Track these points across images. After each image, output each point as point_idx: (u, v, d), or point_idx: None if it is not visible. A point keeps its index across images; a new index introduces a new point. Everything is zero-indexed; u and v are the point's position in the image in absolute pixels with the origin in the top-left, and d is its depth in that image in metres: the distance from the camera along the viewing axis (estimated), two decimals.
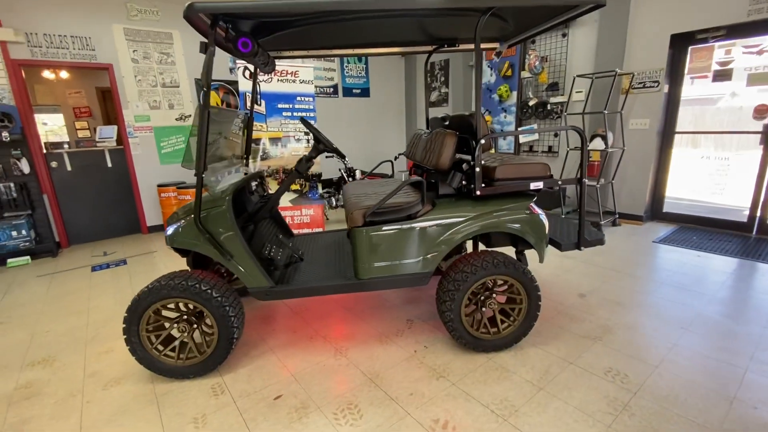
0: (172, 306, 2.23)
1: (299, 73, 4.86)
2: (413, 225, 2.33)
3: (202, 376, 2.31)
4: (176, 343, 2.28)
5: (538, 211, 2.47)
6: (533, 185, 2.40)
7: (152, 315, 2.19)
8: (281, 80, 4.79)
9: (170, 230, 2.32)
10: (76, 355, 2.61)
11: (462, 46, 3.25)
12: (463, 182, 2.45)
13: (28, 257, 4.60)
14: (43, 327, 3.00)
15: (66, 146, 5.17)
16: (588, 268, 3.70)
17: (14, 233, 4.44)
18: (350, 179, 5.57)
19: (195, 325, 2.29)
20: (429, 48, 3.23)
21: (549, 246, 2.64)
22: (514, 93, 6.18)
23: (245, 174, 2.95)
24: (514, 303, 2.43)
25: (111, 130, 5.28)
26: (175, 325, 2.25)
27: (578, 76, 5.02)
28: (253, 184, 2.71)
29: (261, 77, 4.74)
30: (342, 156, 2.72)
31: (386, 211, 2.33)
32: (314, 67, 6.76)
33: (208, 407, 2.06)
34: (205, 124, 2.04)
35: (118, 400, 2.15)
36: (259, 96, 3.26)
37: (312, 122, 4.69)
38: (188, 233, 2.26)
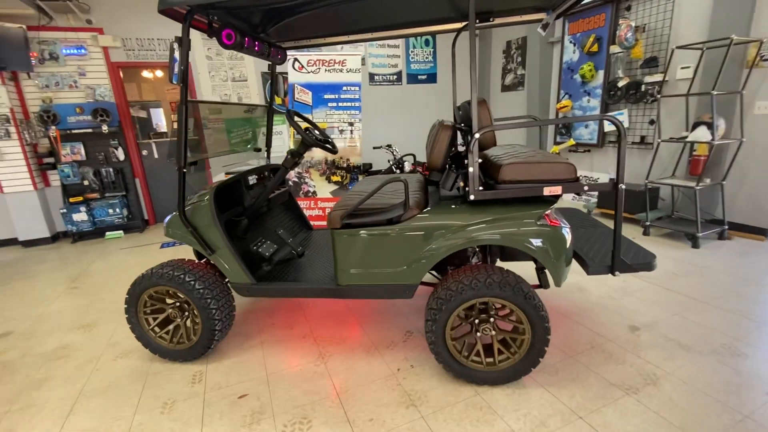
0: (164, 292, 2.35)
1: (347, 62, 4.76)
2: (389, 231, 2.06)
3: (190, 361, 2.42)
4: (171, 327, 2.42)
5: (559, 221, 1.98)
6: (548, 190, 1.92)
7: (147, 300, 2.34)
8: (328, 70, 4.75)
9: (167, 220, 2.45)
10: (112, 323, 2.97)
11: (498, 20, 2.75)
12: (461, 183, 2.08)
13: (121, 232, 5.44)
14: (102, 295, 3.49)
15: (153, 137, 5.95)
16: (659, 293, 2.93)
17: (111, 211, 5.29)
18: (398, 171, 5.34)
19: (186, 313, 2.39)
20: (457, 25, 2.81)
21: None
22: (601, 72, 5.19)
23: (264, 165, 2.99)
24: (516, 332, 2.01)
25: (189, 122, 5.89)
26: (170, 310, 2.37)
27: (679, 47, 3.95)
28: (251, 178, 2.70)
29: (309, 68, 4.77)
30: (332, 150, 2.54)
31: (365, 213, 2.11)
32: (377, 55, 6.63)
33: (180, 394, 2.13)
34: (184, 119, 2.05)
35: (118, 372, 2.37)
36: (285, 88, 3.23)
37: (308, 115, 4.58)
38: (176, 225, 2.34)
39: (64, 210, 5.07)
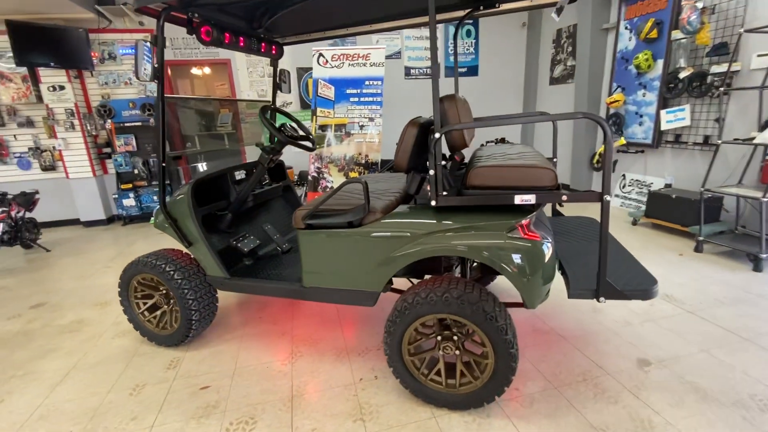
0: (150, 279, 2.47)
1: (371, 56, 4.67)
2: (348, 234, 1.95)
3: (172, 347, 2.52)
4: (158, 312, 2.54)
5: (538, 234, 1.74)
6: (520, 199, 1.69)
7: (137, 285, 2.48)
8: (352, 64, 4.70)
9: (155, 211, 2.56)
10: None
11: (504, 6, 2.48)
12: (428, 187, 1.91)
13: None
14: None
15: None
16: (691, 323, 2.49)
17: (155, 197, 5.75)
18: None
19: (172, 300, 2.50)
20: (459, 13, 2.58)
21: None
22: (659, 62, 4.54)
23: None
24: (481, 355, 1.80)
25: (227, 117, 6.21)
26: (157, 296, 2.49)
27: (748, 30, 3.29)
28: (239, 173, 2.73)
29: (333, 63, 4.75)
30: (310, 148, 2.47)
31: (326, 214, 2.02)
32: (414, 48, 6.44)
33: (153, 378, 2.24)
34: (161, 115, 2.12)
35: (111, 350, 2.55)
36: (286, 83, 3.22)
37: (329, 111, 4.47)
38: (160, 216, 2.44)
39: (116, 195, 5.62)
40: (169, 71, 5.89)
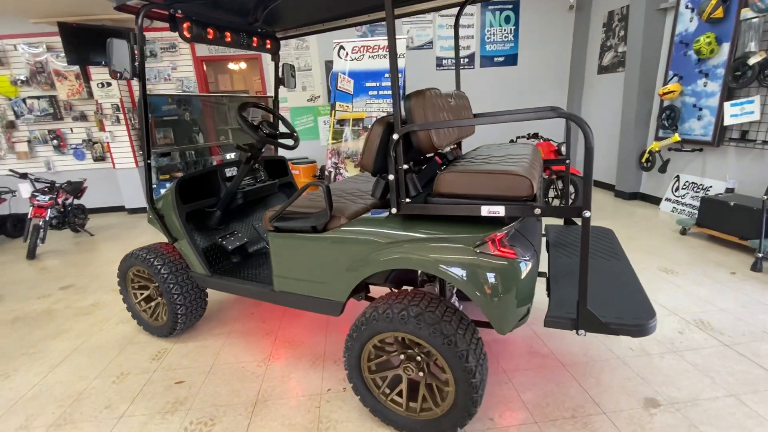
0: (144, 272, 2.56)
1: None
2: (310, 240, 1.84)
3: (163, 338, 2.61)
4: (153, 303, 2.63)
5: (510, 250, 1.52)
6: (488, 210, 1.48)
7: (133, 276, 2.59)
8: (372, 56, 4.56)
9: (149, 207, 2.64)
10: None
11: None
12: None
13: None
14: None
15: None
16: (726, 358, 2.10)
17: None
18: None
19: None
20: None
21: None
22: (724, 46, 3.89)
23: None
24: (443, 382, 1.63)
25: (259, 111, 6.35)
26: (152, 288, 2.58)
27: None
28: (229, 171, 2.72)
29: (353, 55, 4.64)
30: (289, 147, 2.38)
31: (291, 217, 1.93)
32: (447, 37, 6.15)
33: (137, 368, 2.32)
34: (144, 113, 2.15)
35: (112, 335, 2.69)
36: (293, 77, 3.17)
37: (347, 105, 4.30)
38: (151, 212, 2.50)
39: (155, 185, 6.00)
40: (204, 67, 6.13)
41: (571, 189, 4.66)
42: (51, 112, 5.75)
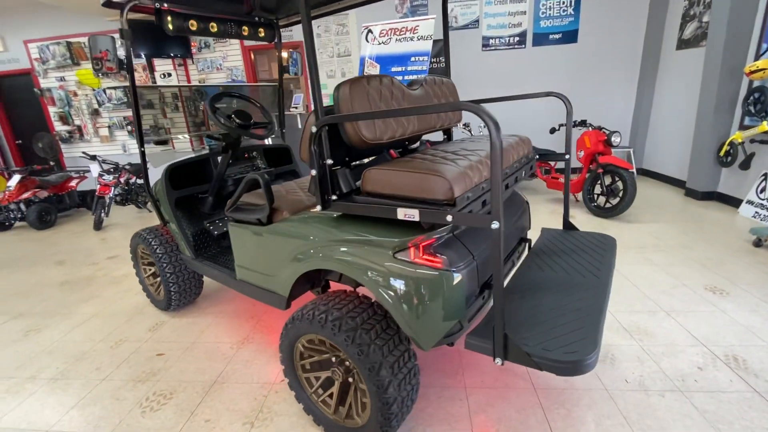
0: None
1: (419, 28, 4.25)
2: (255, 231, 1.84)
3: (163, 311, 2.84)
4: (158, 279, 2.88)
5: (437, 259, 1.36)
6: (403, 213, 1.32)
7: (142, 253, 2.84)
8: (399, 39, 4.37)
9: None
10: None
11: None
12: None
13: None
14: None
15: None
16: (748, 407, 1.68)
17: None
18: None
19: None
20: None
21: None
22: None
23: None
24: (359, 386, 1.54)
25: (299, 98, 6.51)
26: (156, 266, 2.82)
27: None
28: (220, 158, 2.79)
29: (380, 39, 4.49)
30: (260, 137, 2.35)
31: (243, 209, 1.93)
32: (495, 14, 5.69)
33: (134, 336, 2.56)
34: (135, 104, 2.30)
35: (128, 305, 3.00)
36: (293, 66, 3.16)
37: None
38: (149, 196, 2.69)
39: None
40: (252, 56, 6.42)
41: (620, 185, 4.06)
42: (125, 101, 6.51)
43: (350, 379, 1.59)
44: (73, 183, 5.74)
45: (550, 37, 5.81)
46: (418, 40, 4.28)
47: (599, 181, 4.21)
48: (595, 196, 4.31)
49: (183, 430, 1.78)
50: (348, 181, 1.56)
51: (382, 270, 1.40)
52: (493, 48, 5.96)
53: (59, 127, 6.82)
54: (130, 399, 2.00)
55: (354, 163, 1.81)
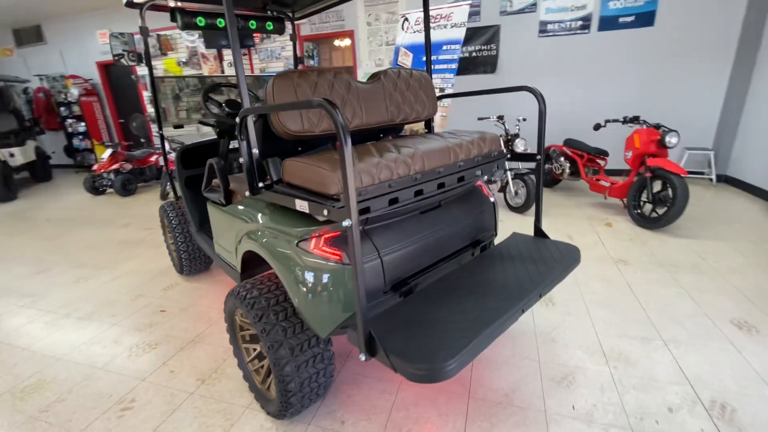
0: None
1: (453, 15, 4.10)
2: (218, 210, 2.02)
3: (180, 275, 3.24)
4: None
5: (335, 251, 1.41)
6: (299, 204, 1.38)
7: (166, 223, 3.26)
8: (434, 27, 4.25)
9: None
10: None
11: None
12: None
13: None
14: None
15: None
16: None
17: None
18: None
19: None
20: None
21: None
22: None
23: None
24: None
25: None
26: None
27: None
28: (233, 143, 3.03)
29: (415, 27, 4.42)
30: (215, 125, 2.47)
31: (212, 190, 2.13)
32: None
33: (149, 293, 2.97)
34: (154, 93, 2.64)
35: (158, 266, 3.47)
36: (309, 57, 3.29)
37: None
38: (166, 176, 3.05)
39: None
40: (311, 45, 6.73)
41: (670, 193, 3.52)
42: (199, 87, 7.30)
43: None
44: (153, 158, 6.66)
45: (621, 20, 5.14)
46: (452, 27, 4.12)
47: (645, 188, 3.70)
48: (641, 203, 3.80)
49: (151, 375, 2.07)
50: (278, 170, 1.64)
51: (286, 257, 1.47)
52: (551, 34, 5.46)
53: (150, 109, 7.91)
54: (125, 343, 2.37)
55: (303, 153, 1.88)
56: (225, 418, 1.78)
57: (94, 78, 8.28)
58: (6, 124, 6.87)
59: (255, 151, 1.57)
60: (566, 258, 1.77)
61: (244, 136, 1.56)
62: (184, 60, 7.25)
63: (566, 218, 4.07)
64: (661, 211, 3.62)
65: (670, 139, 3.61)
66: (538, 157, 1.91)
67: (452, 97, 2.38)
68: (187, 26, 2.53)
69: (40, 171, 7.63)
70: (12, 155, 6.77)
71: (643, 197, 3.78)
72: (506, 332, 2.24)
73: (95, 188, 6.16)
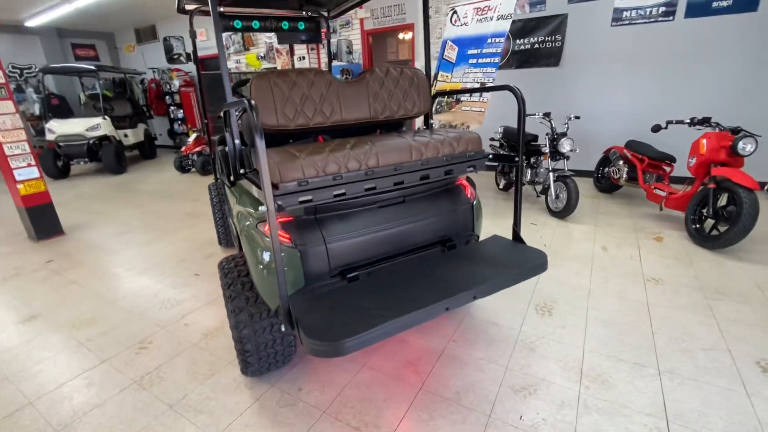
0: None
1: (500, 7, 3.94)
2: (227, 188, 2.32)
3: (221, 246, 3.71)
4: None
5: (285, 235, 1.60)
6: (256, 192, 1.58)
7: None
8: (480, 20, 4.15)
9: None
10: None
11: None
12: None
13: None
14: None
15: None
16: None
17: None
18: (549, 148, 4.03)
19: None
20: None
21: None
22: None
23: None
24: None
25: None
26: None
27: None
28: None
29: (463, 19, 4.34)
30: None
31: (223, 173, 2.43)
32: None
33: (191, 259, 3.47)
34: (199, 89, 3.06)
35: (207, 237, 4.00)
36: (345, 53, 3.44)
37: (448, 74, 3.90)
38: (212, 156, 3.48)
39: None
40: (370, 39, 6.93)
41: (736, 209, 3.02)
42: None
43: None
44: None
45: (715, 4, 4.41)
46: (498, 19, 3.96)
47: (706, 202, 3.22)
48: (703, 217, 3.32)
49: (170, 325, 2.48)
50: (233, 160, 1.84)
51: (247, 236, 1.68)
52: (626, 22, 4.89)
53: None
54: (160, 297, 2.84)
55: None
56: (210, 368, 2.09)
57: (192, 71, 9.52)
58: (123, 109, 8.30)
59: (237, 141, 1.80)
60: (529, 265, 1.71)
61: (228, 128, 1.79)
62: (262, 54, 7.98)
63: (609, 228, 3.71)
64: (723, 228, 3.12)
65: (744, 146, 3.07)
66: (517, 159, 1.85)
67: (446, 95, 2.35)
68: (226, 29, 2.87)
69: (147, 150, 9.07)
70: (126, 135, 8.17)
71: (705, 211, 3.29)
72: (483, 335, 2.22)
73: (182, 167, 7.18)
